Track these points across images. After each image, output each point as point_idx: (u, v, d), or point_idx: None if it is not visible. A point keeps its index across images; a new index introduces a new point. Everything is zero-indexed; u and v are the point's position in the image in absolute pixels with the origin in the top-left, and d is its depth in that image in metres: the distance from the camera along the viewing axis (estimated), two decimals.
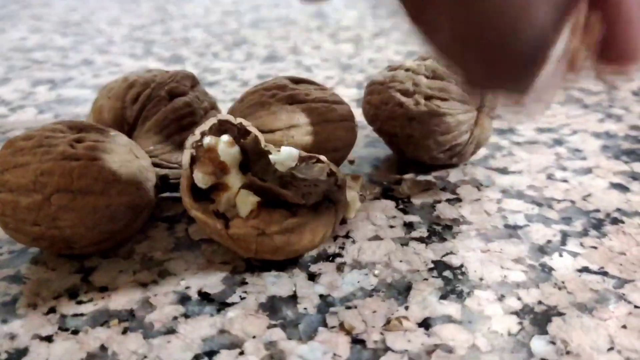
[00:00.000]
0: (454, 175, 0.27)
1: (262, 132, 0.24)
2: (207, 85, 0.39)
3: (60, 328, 0.18)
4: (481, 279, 0.20)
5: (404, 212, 0.24)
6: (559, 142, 0.30)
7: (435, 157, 0.26)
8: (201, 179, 0.20)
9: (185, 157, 0.20)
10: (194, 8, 0.63)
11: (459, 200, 0.25)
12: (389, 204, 0.25)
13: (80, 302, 0.19)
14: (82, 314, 0.19)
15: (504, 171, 0.27)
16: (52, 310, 0.19)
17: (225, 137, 0.20)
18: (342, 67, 0.42)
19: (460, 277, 0.20)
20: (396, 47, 0.47)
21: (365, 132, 0.32)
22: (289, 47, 0.47)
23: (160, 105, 0.24)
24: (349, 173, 0.27)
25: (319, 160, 0.22)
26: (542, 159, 0.28)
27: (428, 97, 0.25)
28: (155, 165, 0.24)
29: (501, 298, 0.19)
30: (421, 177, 0.27)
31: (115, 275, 0.20)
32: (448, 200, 0.25)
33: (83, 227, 0.20)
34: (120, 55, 0.46)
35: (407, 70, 0.26)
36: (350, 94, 0.37)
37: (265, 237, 0.19)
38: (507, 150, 0.29)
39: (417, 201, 0.25)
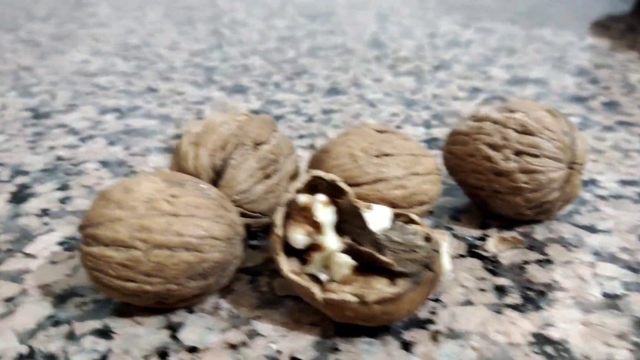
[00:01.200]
0: (540, 232, 0.26)
1: (348, 185, 0.23)
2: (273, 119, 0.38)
3: None
4: (586, 357, 0.19)
5: (493, 273, 0.23)
6: None
7: (522, 213, 0.25)
8: (297, 239, 0.19)
9: (278, 216, 0.20)
10: (250, 33, 0.63)
11: (549, 262, 0.24)
12: (475, 263, 0.24)
13: None
14: None
15: (592, 229, 0.26)
16: None
17: (321, 197, 0.20)
18: (405, 102, 0.41)
19: (563, 354, 0.19)
20: (459, 81, 0.46)
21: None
22: (349, 78, 0.47)
23: (246, 154, 0.24)
24: (433, 228, 0.26)
25: (410, 220, 0.21)
26: (629, 217, 0.27)
27: (518, 153, 0.24)
28: (240, 215, 0.24)
29: None
30: (505, 233, 0.26)
31: (203, 333, 0.20)
32: (538, 262, 0.24)
33: (176, 284, 0.19)
34: (182, 82, 0.46)
35: (494, 122, 0.25)
36: (417, 134, 0.36)
37: (363, 306, 0.18)
38: (591, 205, 0.28)
39: (504, 261, 0.24)
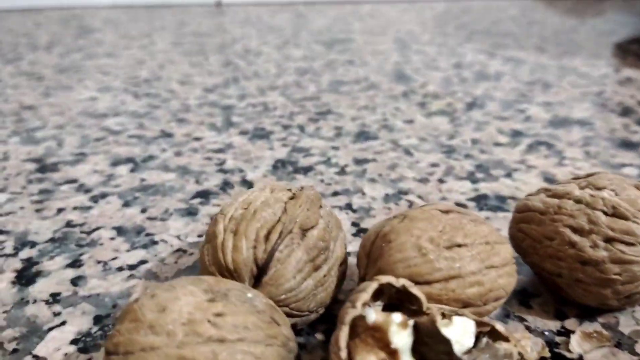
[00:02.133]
0: (625, 324, 0.23)
1: (415, 283, 0.20)
2: (300, 172, 0.35)
3: None
4: None
5: None
6: None
7: (607, 304, 0.22)
8: None
9: (342, 335, 0.16)
10: (265, 64, 0.60)
11: None
12: None
13: None
14: None
15: None
16: None
17: (398, 317, 0.16)
18: (443, 149, 0.38)
19: None
20: (497, 123, 0.43)
21: None
22: (378, 119, 0.44)
23: (293, 244, 0.20)
24: (498, 322, 0.22)
25: (494, 331, 0.18)
26: None
27: (609, 240, 0.21)
28: (285, 314, 0.20)
29: None
30: (586, 325, 0.23)
31: None
32: None
33: None
34: (199, 125, 0.43)
35: (577, 201, 0.22)
36: (464, 190, 0.33)
37: None
38: None
39: None
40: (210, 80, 0.55)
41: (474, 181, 0.34)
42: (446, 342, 0.16)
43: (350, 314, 0.17)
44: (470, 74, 0.56)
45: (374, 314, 0.17)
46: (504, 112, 0.45)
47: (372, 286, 0.17)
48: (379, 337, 0.16)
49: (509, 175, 0.35)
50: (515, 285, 0.25)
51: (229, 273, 0.20)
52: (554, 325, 0.23)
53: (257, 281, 0.20)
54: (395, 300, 0.18)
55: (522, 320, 0.23)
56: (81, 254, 0.27)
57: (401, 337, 0.16)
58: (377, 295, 0.18)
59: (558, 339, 0.22)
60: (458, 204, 0.31)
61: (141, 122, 0.44)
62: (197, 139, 0.41)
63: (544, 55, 0.62)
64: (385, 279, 0.17)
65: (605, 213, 0.21)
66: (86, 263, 0.27)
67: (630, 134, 0.41)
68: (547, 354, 0.21)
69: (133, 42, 0.73)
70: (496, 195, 0.32)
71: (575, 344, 0.22)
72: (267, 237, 0.20)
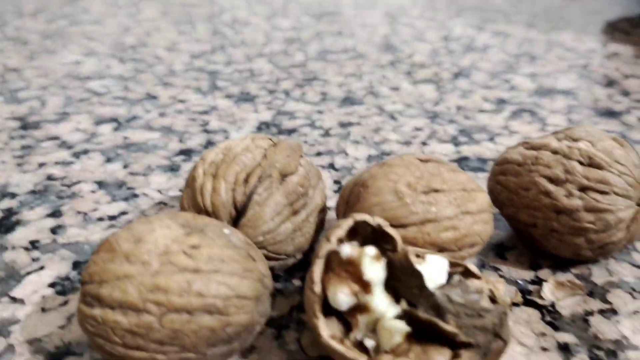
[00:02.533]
0: (598, 274, 0.23)
1: (392, 227, 0.20)
2: (284, 133, 0.35)
3: None
4: None
5: (554, 327, 0.20)
6: None
7: (581, 254, 0.22)
8: (341, 300, 0.16)
9: (317, 269, 0.17)
10: (253, 33, 0.59)
11: (614, 311, 0.21)
12: (533, 313, 0.21)
13: None
14: None
15: None
16: None
17: (371, 250, 0.17)
18: (428, 115, 0.38)
19: None
20: (482, 91, 0.43)
21: None
22: (364, 86, 0.44)
23: (272, 188, 0.20)
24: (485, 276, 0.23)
25: (468, 271, 0.18)
26: None
27: (583, 189, 0.21)
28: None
29: None
30: (560, 275, 0.23)
31: None
32: (602, 312, 0.21)
33: (195, 353, 0.16)
34: (184, 88, 0.43)
35: (554, 152, 0.22)
36: (446, 151, 0.33)
37: None
38: None
39: (564, 311, 0.21)
40: (197, 47, 0.55)
41: (457, 144, 0.34)
42: (418, 276, 0.16)
43: (324, 248, 0.17)
44: (458, 46, 0.56)
45: (348, 248, 0.17)
46: (490, 82, 0.45)
47: (347, 222, 0.17)
48: (352, 270, 0.17)
49: (491, 139, 0.35)
50: (492, 239, 0.25)
51: (208, 215, 0.20)
52: (528, 275, 0.23)
53: (235, 223, 0.20)
54: (371, 240, 0.18)
55: (496, 270, 0.23)
56: (61, 205, 0.27)
57: (374, 270, 0.16)
58: (352, 235, 0.18)
59: (531, 287, 0.22)
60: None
61: (126, 85, 0.44)
62: (182, 101, 0.41)
63: (532, 30, 0.62)
64: (360, 216, 0.18)
65: (581, 163, 0.21)
66: (66, 214, 0.27)
67: (614, 103, 0.41)
68: (520, 300, 0.21)
69: (120, 10, 0.72)
70: (478, 157, 0.33)
71: (548, 291, 0.22)
72: (246, 180, 0.20)
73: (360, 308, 0.17)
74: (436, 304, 0.16)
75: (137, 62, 0.50)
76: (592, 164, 0.21)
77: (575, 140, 0.22)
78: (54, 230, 0.25)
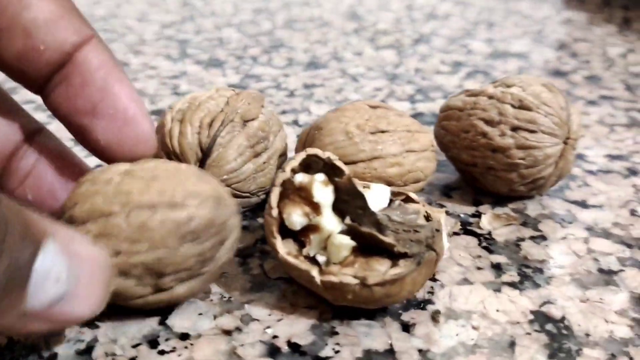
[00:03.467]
0: (532, 208, 0.26)
1: (344, 163, 0.22)
2: None
3: None
4: (587, 335, 0.19)
5: (489, 251, 0.23)
6: (633, 171, 0.29)
7: (515, 189, 0.25)
8: (295, 221, 0.19)
9: (274, 196, 0.19)
10: (222, 4, 0.61)
11: (543, 238, 0.24)
12: (471, 240, 0.23)
13: (162, 352, 0.18)
14: None
15: (583, 205, 0.26)
16: None
17: (320, 176, 0.19)
18: (388, 77, 0.41)
19: (564, 331, 0.19)
20: (440, 55, 0.45)
21: None
22: (329, 52, 0.46)
23: (234, 131, 0.22)
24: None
25: (409, 198, 0.21)
26: (620, 192, 0.27)
27: (515, 128, 0.24)
28: None
29: (612, 358, 0.18)
30: (498, 209, 0.26)
31: (195, 319, 0.19)
32: (532, 238, 0.24)
33: (165, 248, 0.17)
34: (155, 56, 0.45)
35: (490, 97, 0.25)
36: (403, 108, 0.36)
37: (364, 288, 0.18)
38: (581, 180, 0.28)
39: (499, 238, 0.24)
40: (167, 18, 0.56)
41: (413, 102, 0.37)
42: (361, 198, 0.19)
43: (280, 177, 0.19)
44: (420, 15, 0.58)
45: (300, 176, 0.19)
46: (448, 47, 0.48)
47: (300, 155, 0.20)
48: (304, 195, 0.19)
49: (445, 97, 0.37)
50: (439, 181, 0.28)
51: (176, 157, 0.22)
52: (469, 210, 0.26)
53: (202, 164, 0.22)
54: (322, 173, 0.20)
55: (442, 206, 0.26)
56: None
57: (323, 193, 0.19)
58: (306, 170, 0.20)
59: (472, 219, 0.25)
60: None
61: None
62: (153, 67, 0.42)
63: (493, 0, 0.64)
64: (312, 150, 0.20)
65: (512, 106, 0.24)
66: None
67: (562, 64, 0.44)
68: (458, 227, 0.24)
69: None
70: (432, 113, 0.35)
71: (486, 222, 0.25)
72: (210, 125, 0.22)
73: (312, 228, 0.19)
74: (377, 221, 0.19)
75: (108, 33, 0.51)
76: (522, 106, 0.24)
77: (508, 86, 0.25)
78: None
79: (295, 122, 0.34)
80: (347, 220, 0.18)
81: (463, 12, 0.59)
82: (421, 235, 0.19)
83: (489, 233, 0.24)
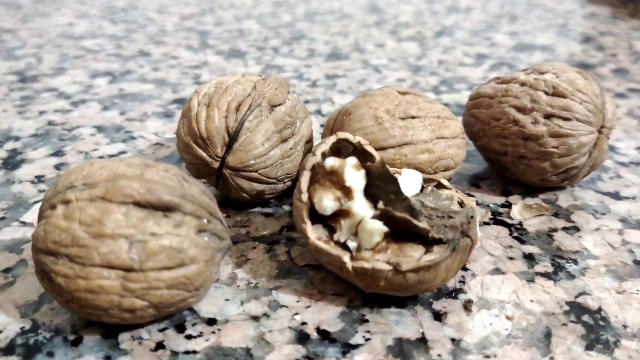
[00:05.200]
0: (563, 199, 0.25)
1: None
2: None
3: None
4: (625, 326, 0.18)
5: (520, 241, 0.22)
6: None
7: (547, 179, 0.24)
8: (326, 205, 0.18)
9: (304, 180, 0.19)
10: None
11: (576, 229, 0.23)
12: (502, 230, 0.23)
13: (189, 337, 0.17)
14: (194, 351, 0.17)
15: (616, 196, 0.25)
16: (160, 346, 0.17)
17: (352, 160, 0.18)
18: (411, 68, 0.40)
19: (601, 322, 0.18)
20: (463, 47, 0.45)
21: None
22: (350, 43, 0.45)
23: (262, 116, 0.22)
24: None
25: (441, 185, 0.20)
26: None
27: (548, 116, 0.23)
28: (254, 180, 0.22)
29: None
30: (529, 200, 0.25)
31: (222, 304, 0.19)
32: (565, 229, 0.23)
33: (163, 185, 0.17)
34: (176, 46, 0.44)
35: (522, 84, 0.24)
36: None
37: (398, 275, 0.17)
38: (613, 171, 0.27)
39: (531, 229, 0.23)
40: (187, 10, 0.56)
41: (438, 93, 0.36)
42: (394, 182, 0.18)
43: (310, 160, 0.19)
44: (441, 8, 0.57)
45: (331, 160, 0.19)
46: (471, 39, 0.47)
47: (330, 139, 0.19)
48: (335, 180, 0.18)
49: (470, 88, 0.37)
50: (468, 171, 0.27)
51: (202, 141, 0.22)
52: (499, 200, 0.25)
53: (228, 148, 0.22)
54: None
55: (470, 196, 0.25)
56: (63, 146, 0.29)
57: (355, 177, 0.18)
58: (336, 155, 0.20)
59: (502, 209, 0.24)
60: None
61: (119, 44, 0.45)
62: (174, 57, 0.42)
63: None
64: (342, 134, 0.19)
65: (546, 93, 0.23)
66: (68, 153, 0.28)
67: (589, 57, 0.43)
68: (488, 217, 0.23)
69: None
70: (457, 104, 0.34)
71: (516, 212, 0.24)
72: (237, 109, 0.22)
73: (343, 213, 0.18)
74: (410, 206, 0.18)
75: (128, 23, 0.51)
76: (555, 93, 0.23)
77: (542, 73, 0.24)
78: (57, 167, 0.27)
79: (319, 112, 0.33)
80: (381, 204, 0.18)
81: (484, 5, 0.58)
82: (456, 221, 0.18)
83: (520, 223, 0.23)
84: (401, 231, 0.18)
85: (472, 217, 0.18)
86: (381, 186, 0.18)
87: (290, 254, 0.21)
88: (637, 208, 0.24)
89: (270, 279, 0.20)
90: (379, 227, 0.18)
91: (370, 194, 0.19)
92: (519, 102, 0.24)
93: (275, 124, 0.22)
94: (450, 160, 0.23)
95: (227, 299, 0.19)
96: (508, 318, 0.18)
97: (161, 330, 0.18)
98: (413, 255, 0.17)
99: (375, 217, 0.18)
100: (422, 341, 0.18)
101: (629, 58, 0.43)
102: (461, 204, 0.19)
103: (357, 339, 0.18)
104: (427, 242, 0.18)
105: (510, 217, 0.24)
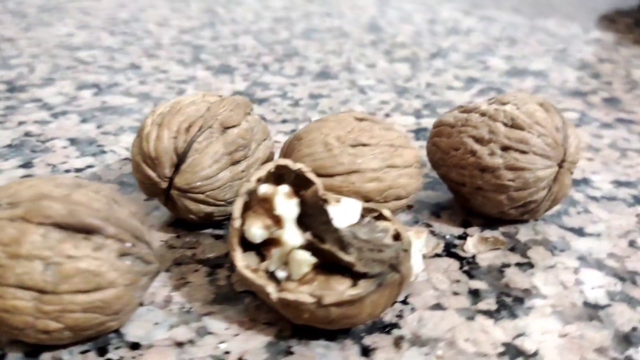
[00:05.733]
0: (524, 233, 0.24)
1: (321, 175, 0.21)
2: (256, 101, 0.37)
3: None
4: None
5: (469, 275, 0.22)
6: (639, 200, 0.27)
7: (505, 212, 0.24)
8: (254, 233, 0.18)
9: (237, 206, 0.18)
10: (244, 12, 0.61)
11: (530, 265, 0.22)
12: (453, 264, 0.22)
13: None
14: None
15: (580, 232, 0.25)
16: None
17: (284, 188, 0.18)
18: (398, 90, 0.40)
19: None
20: (455, 71, 0.44)
21: (424, 171, 0.29)
22: (342, 62, 0.45)
23: (212, 138, 0.22)
24: (404, 224, 0.24)
25: (381, 216, 0.20)
26: (622, 221, 0.26)
27: (505, 148, 0.22)
28: (200, 202, 0.22)
29: None
30: (487, 232, 0.24)
31: (150, 328, 0.19)
32: (518, 265, 0.22)
33: (87, 206, 0.17)
34: (168, 60, 0.45)
35: (482, 114, 0.24)
36: (406, 123, 0.35)
37: (320, 308, 0.17)
38: (582, 206, 0.27)
39: (483, 263, 0.22)
40: (187, 24, 0.56)
41: (419, 117, 0.36)
42: (325, 213, 0.18)
43: (244, 187, 0.19)
44: (442, 29, 0.57)
45: (264, 187, 0.18)
46: (465, 62, 0.47)
47: (268, 165, 0.19)
48: (267, 207, 0.18)
49: None
50: (430, 199, 0.27)
51: (151, 160, 0.22)
52: (457, 231, 0.24)
53: (176, 169, 0.22)
54: (295, 187, 0.20)
55: (428, 226, 0.25)
56: (33, 158, 0.29)
57: (286, 206, 0.18)
58: (278, 182, 0.20)
59: (457, 241, 0.24)
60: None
61: (112, 56, 0.46)
62: (164, 71, 0.42)
63: (518, 16, 0.63)
64: (282, 161, 0.19)
65: (504, 124, 0.23)
66: (37, 165, 0.29)
67: (582, 84, 0.42)
68: (439, 249, 0.23)
69: None
70: None
71: (471, 245, 0.23)
72: (187, 130, 0.22)
73: (274, 242, 0.18)
74: (340, 238, 0.18)
75: (126, 35, 0.52)
76: (514, 125, 0.23)
77: (503, 104, 0.24)
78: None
79: (293, 131, 0.33)
80: (308, 235, 0.18)
81: (487, 27, 0.58)
82: (385, 255, 0.18)
83: (473, 257, 0.23)
84: (331, 264, 0.18)
85: (405, 251, 0.18)
86: (314, 216, 0.18)
87: (230, 279, 0.21)
88: (599, 246, 0.24)
89: (205, 304, 0.20)
90: (307, 258, 0.18)
91: (304, 223, 0.18)
92: (477, 132, 0.23)
93: (226, 146, 0.22)
94: (402, 189, 0.22)
95: (157, 323, 0.19)
96: (438, 358, 0.18)
97: (83, 352, 0.18)
98: (338, 289, 0.17)
99: (302, 247, 0.18)
100: None
101: (624, 87, 0.42)
102: (397, 237, 0.19)
103: None
104: (357, 275, 0.17)
105: (464, 251, 0.23)
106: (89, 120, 0.34)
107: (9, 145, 0.30)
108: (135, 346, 0.18)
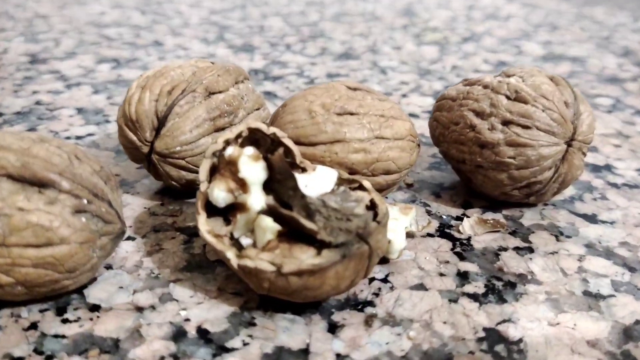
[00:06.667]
0: (529, 217, 0.23)
1: (302, 144, 0.20)
2: (270, 79, 0.36)
3: (35, 350, 0.16)
4: None
5: (460, 257, 0.20)
6: None
7: (508, 193, 0.22)
8: (217, 196, 0.17)
9: (203, 168, 0.18)
10: None
11: (530, 250, 0.21)
12: (445, 244, 0.21)
13: (65, 321, 0.17)
14: (63, 336, 0.16)
15: (592, 219, 0.23)
16: (33, 326, 0.17)
17: (249, 150, 0.17)
18: (420, 72, 0.38)
19: (516, 356, 0.16)
20: (486, 54, 0.42)
21: (432, 150, 0.28)
22: (368, 44, 0.44)
23: (195, 102, 0.21)
24: (399, 202, 0.23)
25: (361, 186, 0.19)
26: None
27: (506, 122, 0.21)
28: (181, 168, 0.21)
29: None
30: (489, 215, 0.23)
31: (113, 291, 0.18)
32: (517, 249, 0.21)
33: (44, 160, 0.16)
34: (192, 38, 0.45)
35: (485, 87, 0.22)
36: (424, 104, 0.33)
37: (280, 277, 0.16)
38: (599, 192, 0.25)
39: (478, 245, 0.21)
40: (218, 5, 0.56)
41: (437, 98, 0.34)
42: (292, 178, 0.17)
43: (211, 148, 0.18)
44: (479, 14, 0.55)
45: (230, 149, 0.17)
46: (498, 47, 0.44)
47: (238, 127, 0.18)
48: (233, 170, 0.17)
49: None
50: (434, 179, 0.25)
51: (132, 123, 0.21)
52: (455, 212, 0.23)
53: (157, 133, 0.21)
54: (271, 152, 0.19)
55: (426, 205, 0.23)
56: (38, 125, 0.29)
57: (251, 169, 0.17)
58: (255, 147, 0.19)
59: (455, 222, 0.22)
60: (410, 115, 0.31)
61: (138, 33, 0.46)
62: (185, 48, 0.42)
63: (565, 3, 0.59)
64: (254, 124, 0.18)
65: (507, 97, 0.21)
66: (40, 132, 0.29)
67: (622, 71, 0.39)
68: (431, 228, 0.21)
69: None
70: None
71: (467, 226, 0.22)
72: (169, 93, 0.21)
73: (239, 207, 0.17)
74: (307, 205, 0.17)
75: (156, 15, 0.52)
76: (517, 98, 0.21)
77: (508, 76, 0.22)
78: None
79: None
80: (270, 200, 0.17)
81: (528, 14, 0.55)
82: (352, 224, 0.16)
83: (468, 239, 0.21)
84: (300, 232, 0.17)
85: (378, 222, 0.17)
86: (282, 181, 0.17)
87: (205, 249, 0.20)
88: (611, 234, 0.22)
89: (174, 271, 0.19)
90: (270, 224, 0.17)
91: (273, 189, 0.17)
92: (478, 105, 0.21)
93: (209, 111, 0.21)
94: (392, 163, 0.21)
95: (121, 287, 0.18)
96: (409, 338, 0.17)
97: (42, 311, 0.17)
98: (299, 257, 0.16)
99: (265, 212, 0.17)
100: (304, 352, 0.16)
101: None
102: (369, 207, 0.17)
103: (234, 343, 0.16)
104: (323, 245, 0.16)
105: (459, 232, 0.22)
106: (101, 91, 0.34)
107: (18, 113, 0.31)
108: (94, 308, 0.17)
